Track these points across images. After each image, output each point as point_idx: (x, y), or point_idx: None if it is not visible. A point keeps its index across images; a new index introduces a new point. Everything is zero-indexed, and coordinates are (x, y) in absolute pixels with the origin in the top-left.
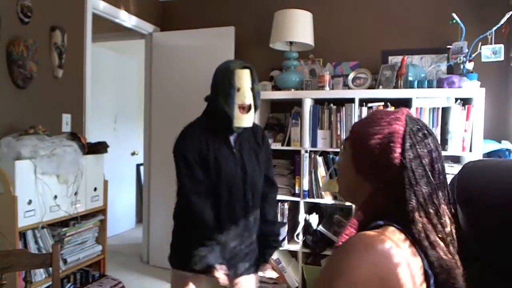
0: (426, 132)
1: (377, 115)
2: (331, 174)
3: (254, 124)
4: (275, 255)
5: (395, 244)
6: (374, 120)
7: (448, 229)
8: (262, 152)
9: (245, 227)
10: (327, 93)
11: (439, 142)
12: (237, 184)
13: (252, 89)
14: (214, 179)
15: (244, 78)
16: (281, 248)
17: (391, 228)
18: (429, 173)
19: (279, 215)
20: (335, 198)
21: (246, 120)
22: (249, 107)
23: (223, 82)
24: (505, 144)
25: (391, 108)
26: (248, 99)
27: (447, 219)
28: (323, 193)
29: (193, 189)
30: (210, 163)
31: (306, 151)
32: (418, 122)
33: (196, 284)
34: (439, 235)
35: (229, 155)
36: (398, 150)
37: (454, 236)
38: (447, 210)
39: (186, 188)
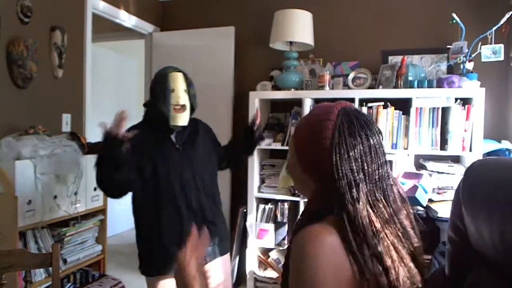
0: (359, 124)
1: (313, 113)
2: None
3: (195, 120)
4: (275, 255)
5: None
6: (310, 119)
7: (378, 224)
8: (208, 140)
9: (202, 213)
10: (327, 93)
11: (379, 133)
12: (186, 175)
13: (188, 91)
14: (165, 176)
15: (177, 80)
16: (281, 248)
17: (331, 217)
18: (359, 166)
19: (279, 215)
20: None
21: (181, 119)
22: (184, 107)
23: (159, 85)
24: (505, 144)
25: (391, 108)
26: (182, 100)
27: (379, 213)
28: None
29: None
30: (158, 164)
31: None
32: (350, 116)
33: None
34: (365, 232)
35: (173, 151)
36: (329, 145)
37: (385, 232)
38: (382, 203)
39: None
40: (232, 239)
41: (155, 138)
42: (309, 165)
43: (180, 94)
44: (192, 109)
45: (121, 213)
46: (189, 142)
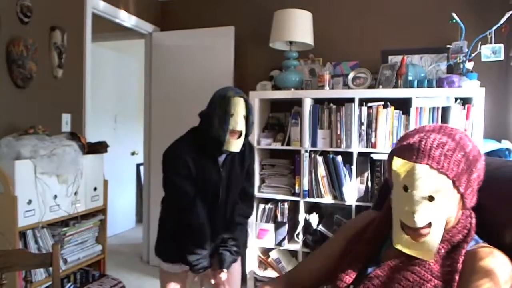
0: None
1: (470, 154)
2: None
3: (244, 143)
4: (275, 255)
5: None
6: (473, 160)
7: None
8: (244, 170)
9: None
10: (327, 93)
11: None
12: (220, 203)
13: (246, 118)
14: (201, 196)
15: (238, 105)
16: (281, 248)
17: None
18: None
19: (279, 215)
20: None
21: (235, 145)
22: (240, 133)
23: (219, 107)
24: (505, 144)
25: (390, 108)
26: (240, 126)
27: None
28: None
29: (191, 200)
30: (199, 183)
31: (306, 151)
32: None
33: (181, 278)
34: None
35: (216, 176)
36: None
37: None
38: None
39: (186, 199)
40: None
41: (202, 157)
42: (472, 196)
43: (238, 119)
44: (246, 135)
45: (121, 213)
46: (234, 168)
